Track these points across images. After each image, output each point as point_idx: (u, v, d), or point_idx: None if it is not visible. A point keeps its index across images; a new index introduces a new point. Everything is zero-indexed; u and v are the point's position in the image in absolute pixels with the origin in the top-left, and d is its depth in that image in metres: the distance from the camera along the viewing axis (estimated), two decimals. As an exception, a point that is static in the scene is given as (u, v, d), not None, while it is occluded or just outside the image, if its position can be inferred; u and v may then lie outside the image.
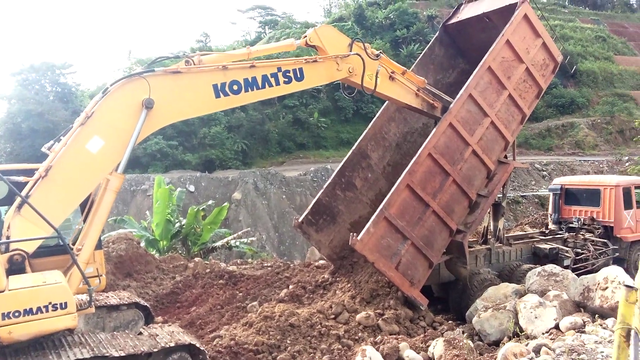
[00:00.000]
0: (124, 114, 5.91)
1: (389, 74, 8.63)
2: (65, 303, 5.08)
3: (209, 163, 38.59)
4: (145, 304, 7.64)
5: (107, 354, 5.20)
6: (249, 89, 6.94)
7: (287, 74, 7.33)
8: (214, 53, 7.56)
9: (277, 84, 7.23)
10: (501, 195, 10.88)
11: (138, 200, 29.01)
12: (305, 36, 8.05)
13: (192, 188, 29.76)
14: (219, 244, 16.71)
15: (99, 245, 6.11)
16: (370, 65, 8.26)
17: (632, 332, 2.78)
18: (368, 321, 8.12)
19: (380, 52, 8.61)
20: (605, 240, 12.45)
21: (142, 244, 14.10)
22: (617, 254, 12.44)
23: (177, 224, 16.19)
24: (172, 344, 5.69)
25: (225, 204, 18.13)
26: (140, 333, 6.08)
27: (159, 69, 6.27)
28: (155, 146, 36.69)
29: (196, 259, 14.06)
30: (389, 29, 60.07)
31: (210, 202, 19.93)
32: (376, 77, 8.33)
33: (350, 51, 8.11)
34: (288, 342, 7.51)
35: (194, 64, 6.71)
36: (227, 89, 6.72)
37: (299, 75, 7.46)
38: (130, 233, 13.56)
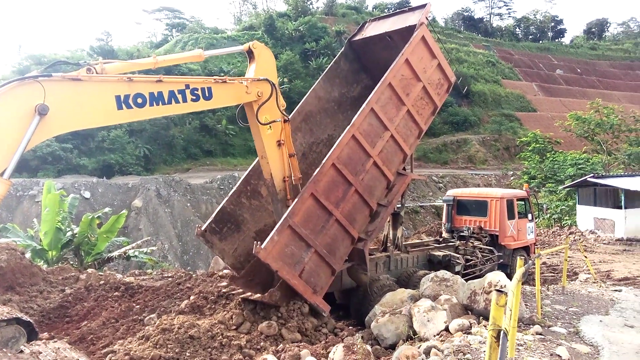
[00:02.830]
0: (14, 117, 5.49)
1: (280, 138, 8.57)
2: None
3: (107, 168, 36.43)
4: (28, 319, 7.00)
5: (-20, 376, 4.74)
6: (154, 104, 6.76)
7: (195, 91, 7.25)
8: (118, 62, 7.26)
9: (184, 100, 7.12)
10: (400, 205, 11.42)
11: (25, 207, 26.61)
12: (251, 44, 8.37)
13: (87, 194, 27.89)
14: (115, 254, 15.79)
15: None
16: (274, 107, 8.37)
17: (502, 333, 3.04)
18: (270, 330, 8.09)
19: (288, 120, 8.73)
20: (492, 248, 13.48)
21: (28, 255, 12.97)
22: (502, 260, 13.50)
23: (69, 233, 15.08)
24: (58, 362, 5.30)
25: (124, 211, 17.21)
26: (21, 351, 5.58)
27: (57, 74, 5.91)
28: (46, 149, 33.93)
29: (89, 270, 13.17)
30: (298, 41, 61.01)
31: (107, 209, 18.79)
32: (271, 122, 8.39)
33: (270, 90, 8.24)
34: (187, 354, 7.26)
35: (97, 73, 6.41)
36: (130, 101, 6.49)
37: (207, 95, 7.41)
38: (13, 243, 12.39)
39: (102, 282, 11.47)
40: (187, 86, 7.16)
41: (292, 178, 8.89)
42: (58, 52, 48.09)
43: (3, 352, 5.47)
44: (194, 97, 7.24)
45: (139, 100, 6.59)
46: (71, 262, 15.07)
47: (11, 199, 26.81)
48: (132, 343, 7.59)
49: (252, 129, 8.59)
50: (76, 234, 15.03)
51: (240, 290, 9.03)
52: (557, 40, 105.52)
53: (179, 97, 7.04)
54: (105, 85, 6.34)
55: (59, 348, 5.76)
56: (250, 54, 8.52)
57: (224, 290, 9.68)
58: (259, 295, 8.16)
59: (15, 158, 5.45)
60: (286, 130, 8.67)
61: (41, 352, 5.52)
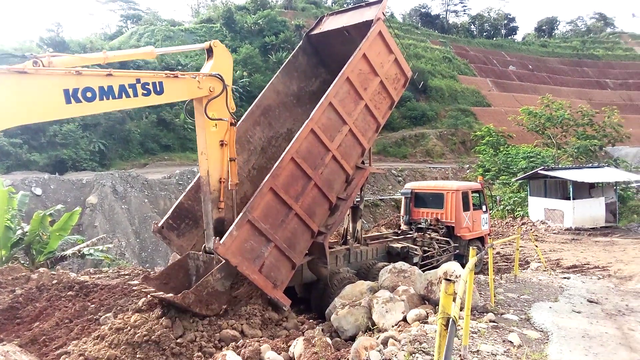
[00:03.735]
0: None
1: (223, 138, 8.52)
2: None
3: (59, 164, 35.07)
4: (-25, 322, 6.73)
5: None
6: (104, 98, 6.64)
7: (147, 86, 7.15)
8: (67, 55, 7.03)
9: (135, 95, 7.02)
10: (359, 199, 11.56)
11: (-30, 205, 25.30)
12: (212, 42, 8.43)
13: (38, 191, 26.82)
14: (69, 252, 15.25)
15: None
16: (223, 106, 8.37)
17: (450, 320, 3.15)
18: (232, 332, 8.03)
19: (235, 124, 8.74)
20: (448, 239, 13.87)
21: (-26, 255, 12.37)
22: (458, 250, 13.91)
23: (19, 231, 14.45)
24: (7, 365, 5.11)
25: (78, 208, 16.64)
26: (-33, 355, 5.36)
27: (2, 67, 5.72)
28: (-7, 144, 32.40)
29: (41, 270, 12.66)
30: (257, 35, 60.48)
31: (59, 206, 18.10)
32: (217, 120, 8.35)
33: (222, 88, 8.25)
34: (145, 354, 7.14)
35: (44, 66, 6.19)
36: (79, 95, 6.34)
37: (158, 89, 7.32)
38: (-43, 243, 11.81)
39: (54, 281, 11.07)
40: (138, 80, 7.05)
41: (229, 182, 8.82)
42: (5, 44, 45.78)
43: (-53, 357, 5.24)
44: (145, 92, 7.14)
45: (88, 95, 6.45)
46: (22, 262, 14.47)
47: (-45, 197, 25.50)
48: (87, 343, 7.39)
49: (197, 124, 8.51)
50: (27, 232, 14.43)
51: (152, 289, 8.58)
52: (509, 37, 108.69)
53: (130, 91, 6.93)
54: (52, 78, 6.15)
55: (8, 351, 5.55)
56: (209, 52, 8.48)
57: (134, 288, 9.43)
58: (171, 295, 7.88)
59: None
60: (231, 134, 8.63)
61: (-11, 356, 5.31)
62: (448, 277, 3.12)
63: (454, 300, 3.33)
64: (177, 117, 43.60)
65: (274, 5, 72.96)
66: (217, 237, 8.04)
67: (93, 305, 9.80)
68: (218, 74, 8.27)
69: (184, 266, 9.28)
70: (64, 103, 6.24)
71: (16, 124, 6.21)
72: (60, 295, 10.31)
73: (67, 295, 10.32)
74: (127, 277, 11.82)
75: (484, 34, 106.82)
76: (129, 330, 7.36)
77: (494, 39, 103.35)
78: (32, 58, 6.21)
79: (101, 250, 15.84)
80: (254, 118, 11.55)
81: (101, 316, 9.11)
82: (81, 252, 15.15)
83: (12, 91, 5.75)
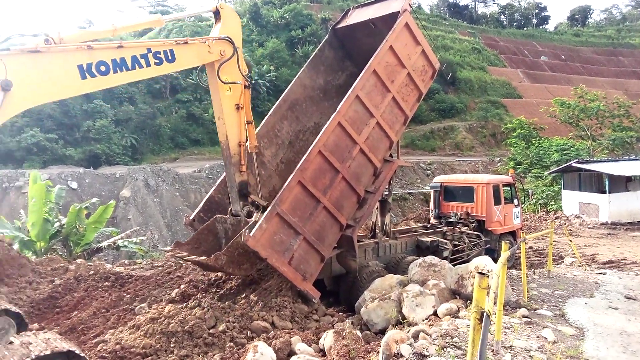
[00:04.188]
0: None
1: (239, 102, 8.52)
2: None
3: (94, 158, 36.06)
4: (18, 310, 6.98)
5: (-30, 368, 4.72)
6: (118, 70, 6.67)
7: (158, 55, 7.15)
8: (77, 31, 7.09)
9: (148, 65, 7.03)
10: (387, 192, 11.51)
11: (11, 198, 26.30)
12: (219, 4, 8.27)
13: (74, 185, 27.62)
14: (104, 244, 15.72)
15: None
16: (235, 69, 8.33)
17: (484, 315, 3.11)
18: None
19: (249, 85, 8.69)
20: (479, 233, 13.67)
21: (15, 246, 12.86)
22: (489, 245, 13.70)
23: (57, 224, 14.96)
24: (48, 352, 5.29)
25: (112, 201, 17.09)
26: (11, 342, 5.56)
27: (15, 48, 5.77)
28: (31, 139, 33.50)
29: (78, 261, 13.09)
30: (284, 29, 60.56)
31: (94, 199, 18.64)
32: (231, 83, 8.34)
33: (233, 50, 8.20)
34: (179, 344, 7.30)
35: (55, 43, 6.22)
36: (93, 69, 6.38)
37: (170, 57, 7.31)
38: (0, 234, 12.28)
39: (91, 272, 11.43)
40: (149, 50, 7.04)
41: (248, 145, 8.85)
42: (18, 33, 47.08)
43: (-7, 344, 5.46)
44: (157, 61, 7.14)
45: (102, 68, 6.48)
46: (60, 253, 14.98)
47: (-4, 190, 26.48)
48: (123, 332, 7.60)
49: (211, 90, 8.50)
50: (64, 224, 14.91)
51: (185, 254, 8.96)
52: (541, 27, 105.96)
53: (142, 61, 6.94)
54: (65, 55, 6.18)
55: (49, 338, 5.74)
56: (217, 15, 8.39)
57: (168, 254, 9.55)
58: (204, 257, 8.08)
59: None
60: (246, 96, 8.61)
61: (31, 343, 5.49)
62: (480, 271, 3.09)
63: (488, 294, 3.30)
64: (206, 112, 44.16)
65: (300, -1, 72.83)
66: (247, 230, 8.14)
67: (128, 296, 10.08)
68: (227, 37, 8.22)
69: (212, 230, 9.53)
70: (80, 79, 6.29)
71: (37, 104, 6.29)
72: (97, 285, 10.64)
73: (103, 285, 10.65)
74: (160, 268, 12.08)
75: (514, 24, 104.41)
76: (163, 320, 7.54)
77: (525, 29, 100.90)
78: (42, 36, 6.20)
79: (135, 243, 16.26)
80: (281, 112, 11.60)
81: (136, 306, 9.37)
82: (116, 244, 15.58)
83: (28, 71, 5.81)
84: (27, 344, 5.43)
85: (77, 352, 5.50)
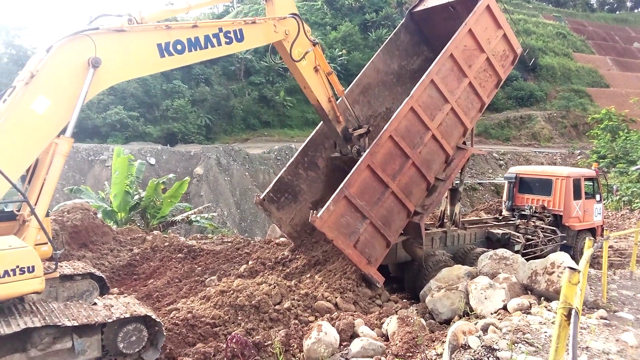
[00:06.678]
0: (70, 73, 5.69)
1: (315, 64, 8.88)
2: (33, 267, 5.03)
3: (171, 136, 37.81)
4: (101, 274, 7.51)
5: (60, 324, 5.06)
6: (192, 49, 6.95)
7: (228, 34, 7.42)
8: (155, 9, 7.46)
9: (219, 44, 7.31)
10: (458, 181, 11.18)
11: (96, 171, 28.23)
12: None
13: (152, 161, 29.15)
14: (178, 218, 16.52)
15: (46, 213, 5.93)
16: (303, 40, 8.54)
17: (573, 312, 2.93)
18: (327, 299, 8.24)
19: (317, 42, 8.87)
20: (555, 228, 12.99)
21: (99, 215, 13.79)
22: (565, 241, 13.01)
23: (136, 196, 15.89)
24: (127, 315, 5.62)
25: (187, 178, 17.88)
26: (95, 304, 5.98)
27: (103, 27, 6.09)
28: (115, 116, 35.62)
29: (155, 232, 13.87)
30: (358, 12, 59.90)
31: (171, 175, 19.60)
32: (304, 55, 8.59)
33: (297, 26, 8.42)
34: (245, 317, 7.55)
35: (137, 22, 6.56)
36: (171, 48, 6.68)
37: (239, 36, 7.58)
38: (86, 203, 13.21)
39: (166, 243, 12.06)
40: (220, 29, 7.31)
41: (336, 93, 9.38)
42: (105, 13, 49.67)
43: (79, 303, 5.89)
44: (227, 40, 7.42)
45: (179, 47, 6.77)
46: (138, 224, 15.90)
47: (83, 162, 28.50)
48: (194, 302, 7.97)
49: (288, 65, 8.90)
50: (143, 197, 15.81)
51: None
52: (636, 10, 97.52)
53: (214, 40, 7.22)
54: (146, 34, 6.50)
55: (128, 302, 6.12)
56: None
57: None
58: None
59: (75, 113, 5.66)
60: (318, 54, 8.91)
61: (113, 306, 5.87)
62: (571, 266, 2.90)
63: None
64: (277, 95, 44.86)
65: (376, -19, 71.58)
66: (315, 211, 8.22)
67: (199, 268, 10.55)
68: (292, 14, 8.41)
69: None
70: (159, 57, 6.59)
71: (121, 80, 6.70)
72: (171, 256, 11.21)
73: (177, 257, 11.21)
74: (229, 244, 12.52)
75: (606, 7, 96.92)
76: (232, 293, 7.81)
77: (618, 12, 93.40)
78: (126, 16, 6.54)
79: (206, 218, 16.96)
80: (353, 97, 11.51)
81: (206, 278, 9.79)
82: (189, 219, 16.32)
83: (115, 49, 6.14)
84: (109, 306, 5.81)
85: (154, 317, 5.81)
